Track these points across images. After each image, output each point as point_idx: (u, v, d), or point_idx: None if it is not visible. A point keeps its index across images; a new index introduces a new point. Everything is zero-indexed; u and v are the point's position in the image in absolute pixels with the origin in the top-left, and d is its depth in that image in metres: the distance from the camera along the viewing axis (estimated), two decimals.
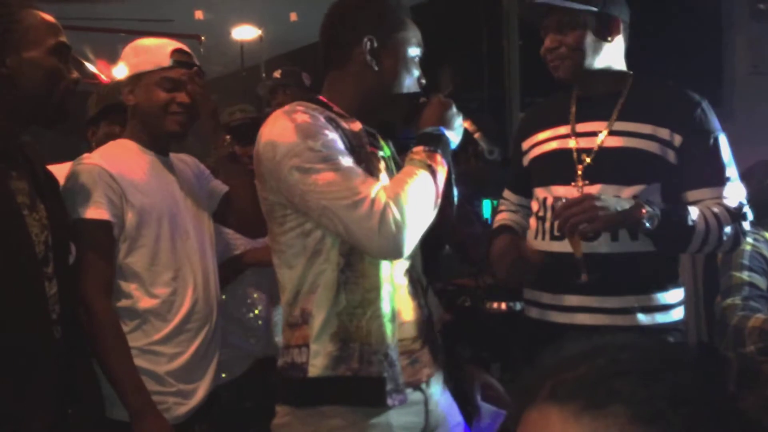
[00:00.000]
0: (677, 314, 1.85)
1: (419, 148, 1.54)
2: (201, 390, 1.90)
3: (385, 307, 1.52)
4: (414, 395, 1.58)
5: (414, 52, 1.64)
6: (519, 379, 0.68)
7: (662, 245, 1.77)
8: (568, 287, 1.79)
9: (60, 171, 1.83)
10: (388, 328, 1.52)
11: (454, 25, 5.10)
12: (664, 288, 1.82)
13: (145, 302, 1.82)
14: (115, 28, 5.54)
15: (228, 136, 2.03)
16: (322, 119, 1.50)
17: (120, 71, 2.09)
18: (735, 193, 1.82)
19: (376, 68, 1.59)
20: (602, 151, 1.84)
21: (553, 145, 1.93)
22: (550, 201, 1.88)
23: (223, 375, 2.16)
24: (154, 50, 1.94)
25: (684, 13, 3.67)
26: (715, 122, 1.85)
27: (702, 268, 2.84)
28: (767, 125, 3.54)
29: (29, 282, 1.49)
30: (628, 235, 1.78)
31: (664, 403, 0.57)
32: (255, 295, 2.47)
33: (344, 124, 1.56)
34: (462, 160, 2.99)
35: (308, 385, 1.51)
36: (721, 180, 1.81)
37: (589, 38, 1.82)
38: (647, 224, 1.68)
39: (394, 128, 1.78)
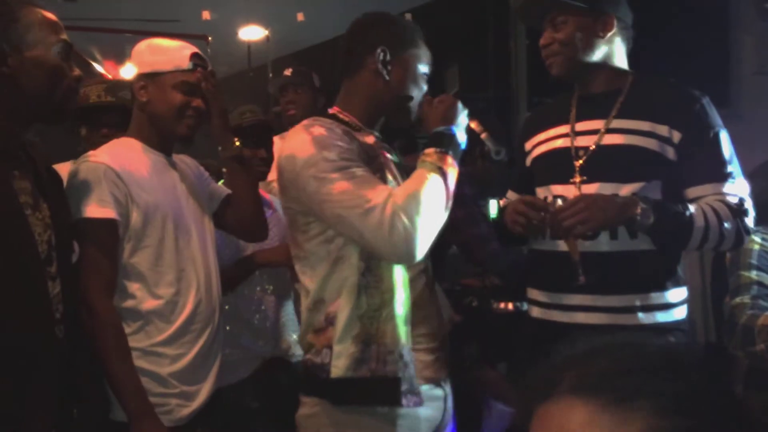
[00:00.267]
0: (679, 313, 1.85)
1: (430, 150, 1.59)
2: (204, 391, 1.89)
3: (399, 309, 1.58)
4: (436, 391, 1.67)
5: (423, 69, 1.74)
6: (532, 373, 0.68)
7: (661, 242, 1.77)
8: (569, 286, 1.79)
9: (65, 169, 1.83)
10: (402, 329, 1.58)
11: (461, 26, 5.11)
12: (664, 287, 1.82)
13: (148, 303, 1.80)
14: (122, 28, 5.56)
15: (237, 139, 2.03)
16: (338, 131, 1.59)
17: (129, 69, 2.10)
18: (736, 189, 1.81)
19: (387, 78, 1.69)
20: (600, 149, 1.84)
21: (553, 144, 1.94)
22: (549, 200, 1.89)
23: (231, 376, 2.16)
24: (173, 51, 1.93)
25: (690, 12, 3.66)
26: (715, 118, 1.84)
27: (710, 267, 2.83)
28: None
29: (31, 282, 1.47)
30: (627, 233, 1.77)
31: (686, 399, 0.59)
32: (263, 297, 2.47)
33: (359, 137, 1.64)
34: (468, 160, 2.99)
35: (331, 386, 1.59)
36: (722, 176, 1.80)
37: (580, 33, 1.83)
38: (642, 221, 1.68)
39: (404, 133, 1.81)
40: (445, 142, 1.61)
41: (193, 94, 1.91)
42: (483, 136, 1.78)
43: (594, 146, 1.85)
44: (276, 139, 3.20)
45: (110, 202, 1.75)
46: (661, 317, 1.80)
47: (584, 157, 1.85)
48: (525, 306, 2.63)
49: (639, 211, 1.67)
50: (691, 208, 1.74)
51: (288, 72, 3.38)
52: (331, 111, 1.75)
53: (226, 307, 2.16)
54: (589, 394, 0.61)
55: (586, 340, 0.67)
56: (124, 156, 1.85)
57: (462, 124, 1.68)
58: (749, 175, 2.86)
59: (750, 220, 1.80)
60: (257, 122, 2.53)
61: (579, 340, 0.67)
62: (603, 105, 1.87)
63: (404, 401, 1.55)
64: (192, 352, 1.86)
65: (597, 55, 1.86)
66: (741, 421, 0.60)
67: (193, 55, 1.92)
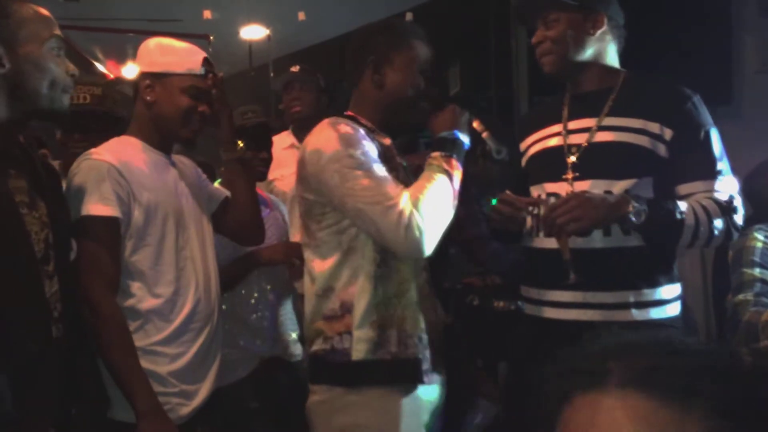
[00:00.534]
0: (672, 310, 1.86)
1: (436, 154, 1.71)
2: (203, 390, 1.89)
3: (416, 296, 1.74)
4: (437, 378, 1.81)
5: (420, 67, 1.82)
6: (562, 363, 0.67)
7: (652, 240, 1.78)
8: (561, 284, 1.80)
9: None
10: (420, 314, 1.74)
11: (463, 25, 5.11)
12: (658, 283, 1.83)
13: (148, 302, 1.80)
14: (124, 28, 5.56)
15: (241, 142, 2.04)
16: (362, 131, 1.73)
17: (133, 68, 2.08)
18: (726, 186, 1.82)
19: (383, 85, 1.81)
20: (593, 146, 1.86)
21: (547, 143, 1.96)
22: (543, 198, 1.90)
23: (229, 375, 2.16)
24: (185, 54, 1.93)
25: (692, 11, 3.66)
26: (706, 116, 1.86)
27: (711, 265, 2.83)
28: None
29: (27, 281, 1.46)
30: (620, 230, 1.79)
31: (740, 404, 0.59)
32: (260, 296, 2.46)
33: (378, 138, 1.78)
34: (470, 159, 2.99)
35: (352, 368, 1.72)
36: (712, 173, 1.82)
37: (572, 31, 1.87)
38: (634, 219, 1.69)
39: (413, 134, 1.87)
40: (448, 146, 1.73)
41: (200, 99, 1.91)
42: (484, 135, 1.82)
43: (586, 144, 1.87)
44: (284, 135, 3.20)
45: (113, 200, 1.75)
46: (655, 314, 1.82)
47: (577, 155, 1.87)
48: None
49: (631, 209, 1.69)
50: (682, 206, 1.75)
51: (295, 69, 3.35)
52: (348, 113, 1.86)
53: (224, 306, 2.15)
54: (642, 390, 0.60)
55: (614, 334, 0.67)
56: (125, 154, 1.84)
57: (464, 126, 1.78)
58: (750, 173, 2.86)
59: (739, 218, 1.82)
60: (259, 124, 2.53)
61: (604, 334, 0.67)
62: (595, 103, 1.90)
63: (426, 379, 1.73)
64: (191, 351, 1.86)
65: (588, 52, 1.89)
66: None
67: (204, 60, 1.93)
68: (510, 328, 2.79)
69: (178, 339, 1.84)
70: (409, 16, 5.02)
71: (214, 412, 1.96)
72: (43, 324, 1.49)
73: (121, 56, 5.99)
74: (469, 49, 5.13)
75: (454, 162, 1.69)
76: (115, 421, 1.74)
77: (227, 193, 2.09)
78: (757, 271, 2.30)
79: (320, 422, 1.78)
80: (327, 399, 1.76)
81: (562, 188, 1.85)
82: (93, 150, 1.83)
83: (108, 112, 2.21)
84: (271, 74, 5.81)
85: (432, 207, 1.60)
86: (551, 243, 1.81)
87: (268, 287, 2.47)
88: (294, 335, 2.55)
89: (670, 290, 1.85)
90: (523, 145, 2.05)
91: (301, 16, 5.60)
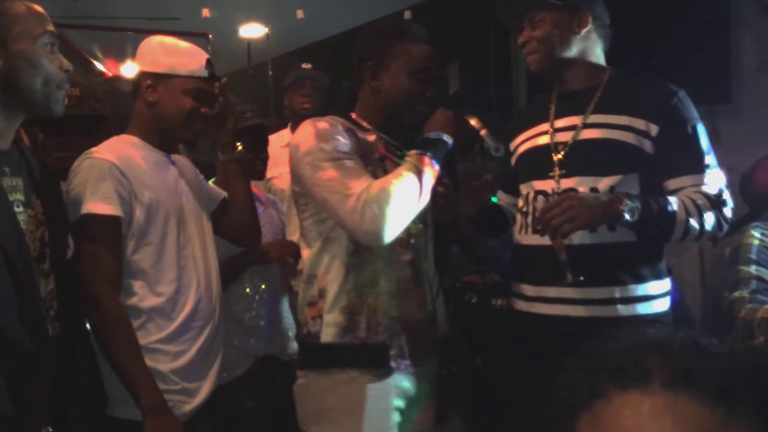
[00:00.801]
0: (660, 306, 1.87)
1: (413, 151, 1.76)
2: (205, 388, 1.90)
3: (389, 286, 1.79)
4: (414, 369, 1.84)
5: (415, 67, 1.85)
6: (582, 359, 0.66)
7: (644, 236, 1.80)
8: (550, 279, 1.82)
9: None
10: (392, 303, 1.79)
11: (462, 23, 5.10)
12: (644, 279, 1.84)
13: (149, 300, 1.81)
14: (123, 26, 5.56)
15: (239, 144, 2.05)
16: (340, 128, 1.79)
17: (133, 66, 2.07)
18: (715, 179, 1.84)
19: (379, 88, 1.87)
20: (578, 144, 1.89)
21: (534, 142, 1.99)
22: (531, 195, 1.94)
23: (224, 374, 2.16)
24: (188, 55, 1.93)
25: (691, 9, 3.66)
26: (692, 111, 1.88)
27: (709, 263, 2.84)
28: None
29: (22, 280, 1.45)
30: (606, 226, 1.80)
31: None
32: (254, 295, 2.46)
33: (360, 135, 1.84)
34: (468, 157, 3.00)
35: (321, 350, 1.80)
36: (700, 167, 1.84)
37: (557, 30, 1.90)
38: (628, 217, 1.71)
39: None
40: (428, 145, 1.77)
41: (203, 101, 1.92)
42: (482, 132, 1.83)
43: (572, 141, 1.89)
44: (282, 133, 3.20)
45: (115, 199, 1.75)
46: (642, 309, 1.83)
47: (563, 152, 1.89)
48: None
49: (624, 207, 1.70)
50: (673, 202, 1.76)
51: (307, 66, 3.35)
52: (351, 115, 1.92)
53: None
54: (688, 391, 0.59)
55: (633, 331, 0.66)
56: (126, 153, 1.85)
57: (452, 128, 1.82)
58: (748, 171, 2.86)
59: (728, 210, 1.83)
60: (258, 125, 2.53)
61: (622, 331, 0.66)
62: (581, 101, 1.93)
63: (393, 364, 1.78)
64: (193, 349, 1.86)
65: (573, 50, 1.92)
66: None
67: (208, 62, 1.93)
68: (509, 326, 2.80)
69: (180, 337, 1.84)
70: (407, 14, 5.02)
71: (216, 410, 1.97)
72: (38, 323, 1.48)
73: (120, 55, 5.98)
74: (468, 47, 5.13)
75: (427, 159, 1.73)
76: (118, 418, 1.75)
77: (225, 194, 2.09)
78: (753, 269, 2.31)
79: (299, 406, 1.85)
80: (304, 383, 1.83)
81: (548, 186, 1.89)
82: (94, 149, 1.83)
83: (88, 114, 2.16)
84: (270, 72, 5.81)
85: (389, 198, 1.64)
86: (539, 240, 1.83)
87: (263, 286, 2.47)
88: (291, 333, 2.55)
89: (658, 286, 1.87)
90: (512, 145, 2.08)
91: (300, 14, 5.59)
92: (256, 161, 2.45)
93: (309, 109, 3.20)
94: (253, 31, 5.94)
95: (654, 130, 1.83)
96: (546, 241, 1.76)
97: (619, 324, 1.79)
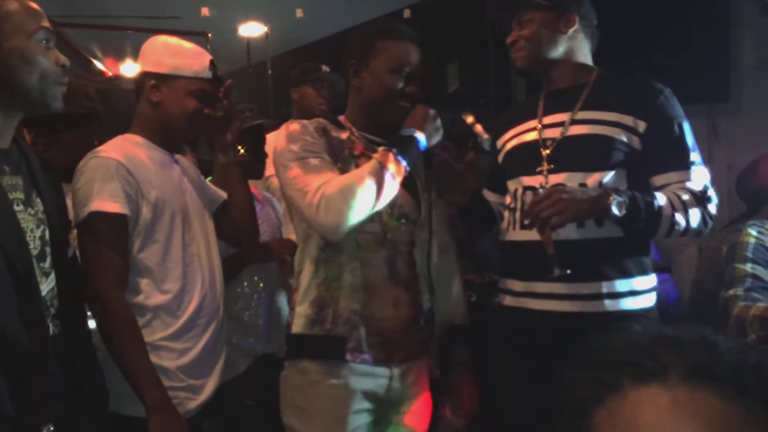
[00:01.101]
0: (646, 301, 1.89)
1: (381, 148, 1.78)
2: (209, 385, 1.91)
3: (352, 281, 1.83)
4: (380, 370, 1.85)
5: (395, 65, 1.86)
6: (592, 353, 0.66)
7: (631, 231, 1.81)
8: (539, 275, 1.83)
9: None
10: (355, 297, 1.82)
11: (461, 22, 5.10)
12: (631, 274, 1.86)
13: (155, 298, 1.82)
14: (123, 25, 5.56)
15: (241, 148, 2.06)
16: (311, 128, 1.83)
17: (134, 66, 2.08)
18: (700, 176, 1.87)
19: (361, 86, 1.89)
20: (567, 139, 1.91)
21: (523, 138, 2.01)
22: (519, 191, 1.96)
23: (222, 373, 2.16)
24: (193, 57, 1.94)
25: (692, 9, 3.66)
26: (678, 109, 1.90)
27: (706, 260, 2.84)
28: None
29: (22, 279, 1.44)
30: (594, 221, 1.82)
31: None
32: (253, 294, 2.46)
33: (334, 133, 1.88)
34: (462, 152, 3.00)
35: (292, 340, 1.88)
36: (686, 164, 1.87)
37: (544, 30, 1.94)
38: (616, 211, 1.72)
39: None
40: (398, 142, 1.79)
41: (206, 102, 1.93)
42: (476, 128, 1.84)
43: (560, 137, 1.91)
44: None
45: (122, 198, 1.76)
46: (628, 304, 1.85)
47: (551, 148, 1.91)
48: None
49: (612, 201, 1.72)
50: (659, 197, 1.78)
51: (327, 68, 3.42)
52: (340, 117, 1.96)
53: None
54: (707, 386, 0.59)
55: (641, 326, 0.66)
56: (132, 152, 1.86)
57: (434, 131, 1.84)
58: (744, 170, 2.87)
59: (713, 207, 1.85)
60: (258, 126, 2.53)
61: (628, 326, 0.66)
62: (569, 98, 1.95)
63: (349, 356, 1.81)
64: (198, 347, 1.88)
65: (560, 49, 1.96)
66: None
67: (211, 63, 1.95)
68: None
69: (186, 334, 1.85)
70: (406, 14, 5.02)
71: (220, 408, 1.98)
72: (38, 321, 1.48)
73: (119, 53, 5.98)
74: (467, 46, 5.13)
75: (392, 156, 1.74)
76: (123, 415, 1.75)
77: (225, 195, 2.10)
78: (749, 267, 2.31)
79: (281, 395, 1.90)
80: (284, 375, 1.90)
81: (537, 181, 1.90)
82: (100, 148, 1.84)
83: (76, 111, 2.15)
84: (269, 71, 5.81)
85: (345, 193, 1.68)
86: (527, 235, 1.85)
87: (261, 284, 2.47)
88: None
89: (644, 281, 1.89)
90: (499, 142, 2.10)
91: (299, 13, 5.59)
92: (255, 161, 2.45)
93: (323, 111, 3.27)
94: (252, 30, 5.94)
95: (642, 126, 1.85)
96: (533, 236, 1.77)
97: (606, 319, 1.82)
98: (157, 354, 1.79)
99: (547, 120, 1.97)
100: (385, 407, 1.89)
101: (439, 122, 1.85)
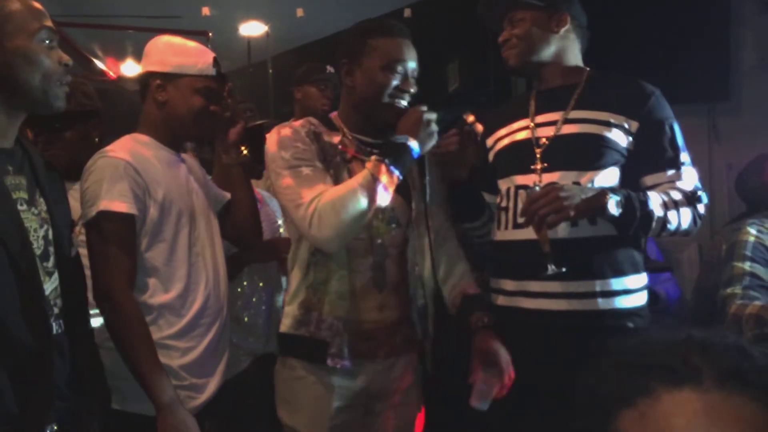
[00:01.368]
0: (638, 300, 1.89)
1: (373, 158, 1.77)
2: (212, 384, 1.92)
3: (339, 288, 1.86)
4: (363, 367, 1.89)
5: (386, 63, 1.84)
6: (618, 356, 0.65)
7: (624, 230, 1.82)
8: (532, 274, 1.84)
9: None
10: (340, 305, 1.86)
11: (462, 21, 5.11)
12: (623, 273, 1.87)
13: (160, 297, 1.83)
14: (124, 25, 5.56)
15: (244, 148, 2.06)
16: (302, 133, 1.83)
17: (132, 65, 2.08)
18: (690, 177, 1.89)
19: (354, 86, 1.88)
20: (559, 138, 1.92)
21: (515, 137, 2.01)
22: (512, 190, 1.96)
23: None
24: (196, 54, 1.94)
25: (692, 8, 3.66)
26: (668, 110, 1.92)
27: (706, 259, 2.84)
28: None
29: (25, 279, 1.44)
30: (587, 219, 1.82)
31: None
32: (252, 293, 2.46)
33: (326, 138, 1.87)
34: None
35: (280, 338, 1.94)
36: (676, 164, 1.88)
37: (536, 29, 1.95)
38: (612, 211, 1.73)
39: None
40: (390, 150, 1.78)
41: (212, 99, 1.93)
42: (477, 127, 1.85)
43: (553, 136, 1.92)
44: None
45: (130, 197, 1.77)
46: (620, 303, 1.85)
47: (545, 146, 1.92)
48: None
49: (607, 200, 1.73)
50: (652, 197, 1.80)
51: (331, 69, 3.43)
52: (332, 115, 1.96)
53: None
54: (741, 391, 0.58)
55: (662, 329, 0.66)
56: (140, 152, 1.86)
57: (428, 137, 1.81)
58: (744, 169, 2.87)
59: (702, 207, 1.87)
60: (259, 126, 2.53)
61: (651, 328, 0.66)
62: (561, 97, 1.96)
63: (330, 361, 1.85)
64: (201, 346, 1.88)
65: (551, 49, 1.97)
66: None
67: (215, 60, 1.95)
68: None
69: (189, 333, 1.86)
70: (407, 13, 5.02)
71: (222, 407, 1.98)
72: (41, 320, 1.48)
73: (120, 53, 5.98)
74: (467, 45, 5.14)
75: (384, 167, 1.74)
76: (129, 413, 1.76)
77: (229, 196, 2.10)
78: (747, 265, 2.32)
79: (275, 390, 1.96)
80: (276, 368, 1.96)
81: (530, 180, 1.90)
82: (108, 147, 1.84)
83: (76, 110, 2.14)
84: (270, 71, 5.82)
85: (336, 208, 1.70)
86: (520, 234, 1.85)
87: (261, 284, 2.48)
88: None
89: (636, 280, 1.89)
90: (489, 141, 2.10)
91: (300, 12, 5.59)
92: (255, 161, 2.45)
93: (326, 112, 3.28)
94: (252, 29, 5.94)
95: (633, 126, 1.87)
96: (526, 235, 1.78)
97: (599, 318, 1.83)
98: (162, 353, 1.79)
99: (540, 119, 1.98)
100: (371, 400, 1.92)
101: (433, 127, 1.83)
